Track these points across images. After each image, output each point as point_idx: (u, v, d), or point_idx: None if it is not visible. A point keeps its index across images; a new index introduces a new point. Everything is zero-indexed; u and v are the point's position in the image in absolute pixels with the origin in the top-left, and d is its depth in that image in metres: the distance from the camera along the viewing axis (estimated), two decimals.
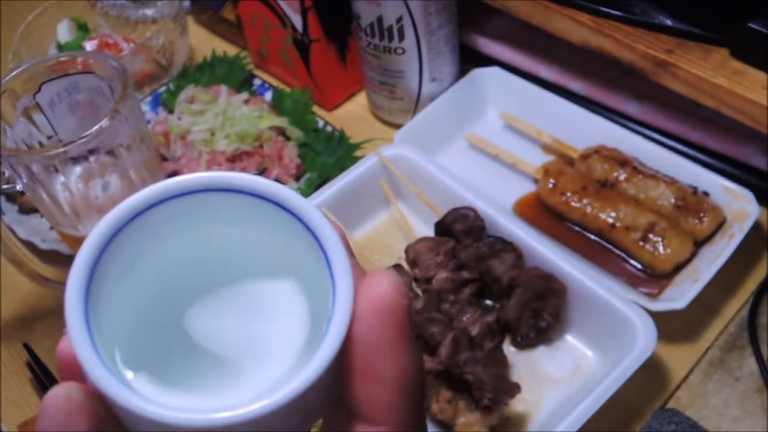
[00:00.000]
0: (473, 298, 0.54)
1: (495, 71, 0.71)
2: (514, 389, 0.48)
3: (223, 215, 0.23)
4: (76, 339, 0.20)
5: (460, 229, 0.57)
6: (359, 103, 0.77)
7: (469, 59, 0.74)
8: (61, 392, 0.20)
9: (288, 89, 0.76)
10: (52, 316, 0.64)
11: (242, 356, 0.22)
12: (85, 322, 0.20)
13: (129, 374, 0.22)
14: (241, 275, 0.23)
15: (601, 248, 0.60)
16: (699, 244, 0.58)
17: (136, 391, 0.20)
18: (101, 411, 0.20)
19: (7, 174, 0.50)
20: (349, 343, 0.20)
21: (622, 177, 0.61)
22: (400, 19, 0.65)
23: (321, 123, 0.73)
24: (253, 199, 0.22)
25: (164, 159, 0.70)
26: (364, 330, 0.20)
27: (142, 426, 0.20)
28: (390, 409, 0.21)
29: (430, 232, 0.60)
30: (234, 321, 0.23)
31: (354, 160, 0.69)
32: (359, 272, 0.22)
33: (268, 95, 0.77)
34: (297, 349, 0.22)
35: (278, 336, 0.22)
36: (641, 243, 0.57)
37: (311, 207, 0.22)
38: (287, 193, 0.22)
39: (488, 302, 0.56)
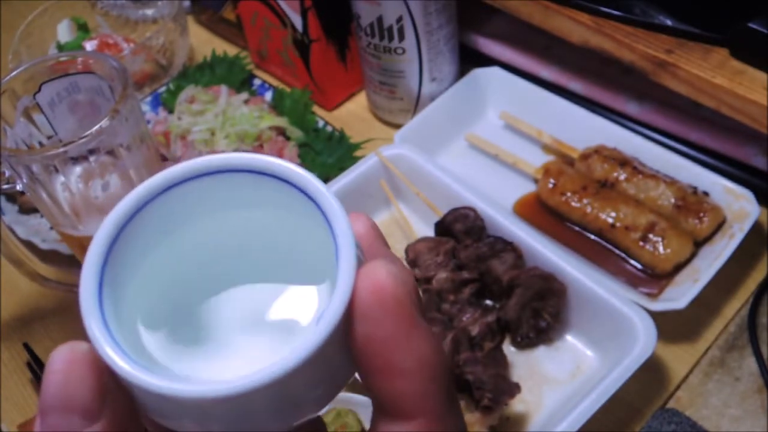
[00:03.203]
0: (473, 298, 0.54)
1: (495, 71, 0.71)
2: (514, 389, 0.48)
3: (243, 195, 0.23)
4: (86, 308, 0.20)
5: (460, 229, 0.57)
6: (359, 103, 0.78)
7: (469, 59, 0.74)
8: (66, 347, 0.20)
9: (288, 89, 0.76)
10: (52, 316, 0.64)
11: (256, 334, 0.22)
12: (97, 291, 0.21)
13: (147, 345, 0.22)
14: (259, 255, 0.24)
15: (601, 248, 0.60)
16: (699, 244, 0.58)
17: (135, 360, 0.20)
18: (107, 369, 0.20)
19: (7, 174, 0.50)
20: (362, 343, 0.20)
21: (622, 177, 0.61)
22: (400, 19, 0.65)
23: (321, 123, 0.73)
24: (273, 181, 0.22)
25: (164, 159, 0.70)
26: (373, 326, 0.20)
27: (134, 391, 0.20)
28: (421, 400, 0.20)
29: (430, 232, 0.60)
30: (247, 299, 0.23)
31: (354, 160, 0.69)
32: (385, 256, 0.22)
33: (268, 95, 0.77)
34: (303, 333, 0.22)
35: (290, 317, 0.22)
36: (641, 243, 0.57)
37: (326, 192, 0.21)
38: (305, 178, 0.22)
39: (488, 302, 0.56)
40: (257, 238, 0.24)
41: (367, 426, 0.51)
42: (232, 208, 0.23)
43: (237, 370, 0.20)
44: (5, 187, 0.50)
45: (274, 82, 0.79)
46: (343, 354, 0.20)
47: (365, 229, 0.23)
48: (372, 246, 0.23)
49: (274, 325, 0.23)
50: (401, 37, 0.66)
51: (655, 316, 0.51)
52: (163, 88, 0.77)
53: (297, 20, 0.71)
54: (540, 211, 0.64)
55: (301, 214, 0.22)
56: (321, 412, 0.23)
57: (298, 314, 0.22)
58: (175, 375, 0.21)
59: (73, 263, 0.59)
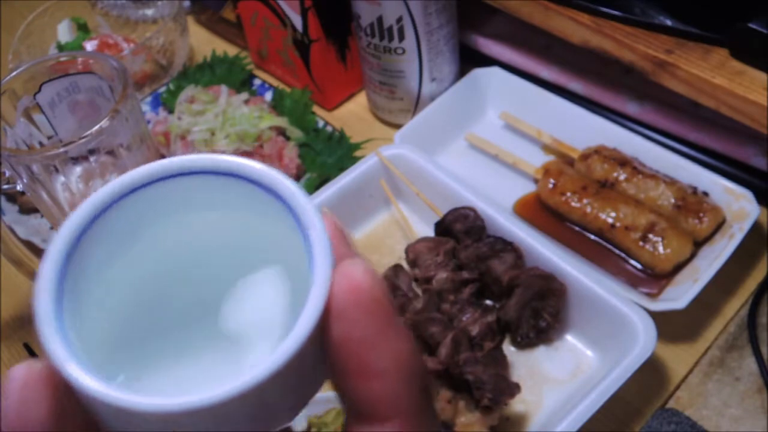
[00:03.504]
0: (473, 298, 0.54)
1: (495, 71, 0.71)
2: (514, 389, 0.48)
3: (207, 199, 0.22)
4: (42, 318, 0.19)
5: (460, 229, 0.57)
6: (359, 103, 0.78)
7: (469, 59, 0.74)
8: (23, 366, 0.19)
9: (288, 89, 0.76)
10: None
11: (220, 345, 0.22)
12: (55, 301, 0.19)
13: (110, 358, 0.21)
14: (226, 261, 0.23)
15: (601, 248, 0.60)
16: (699, 244, 0.58)
17: (96, 374, 0.18)
18: (64, 387, 0.19)
19: (7, 174, 0.50)
20: (338, 343, 0.19)
21: (622, 177, 0.61)
22: (400, 19, 0.65)
23: (321, 123, 0.73)
24: (238, 181, 0.21)
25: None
26: (349, 326, 0.19)
27: (97, 407, 0.19)
28: (396, 400, 0.19)
29: (430, 232, 0.60)
30: (217, 308, 0.22)
31: (354, 160, 0.69)
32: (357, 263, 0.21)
33: (268, 95, 0.77)
34: (274, 340, 0.21)
35: (259, 325, 0.22)
36: (641, 243, 0.57)
37: (300, 194, 0.21)
38: (270, 176, 0.21)
39: (488, 302, 0.56)
40: (225, 242, 0.23)
41: None
42: (198, 211, 0.22)
43: (208, 380, 0.19)
44: (5, 187, 0.50)
45: (274, 82, 0.79)
46: (317, 358, 0.20)
47: (331, 229, 0.22)
48: (338, 247, 0.22)
49: (245, 330, 0.22)
50: (401, 37, 0.66)
51: (655, 316, 0.51)
52: (163, 88, 0.77)
53: (297, 20, 0.71)
54: (540, 211, 0.64)
55: (269, 214, 0.21)
56: (293, 423, 0.22)
57: (271, 318, 0.22)
58: (139, 388, 0.20)
59: None
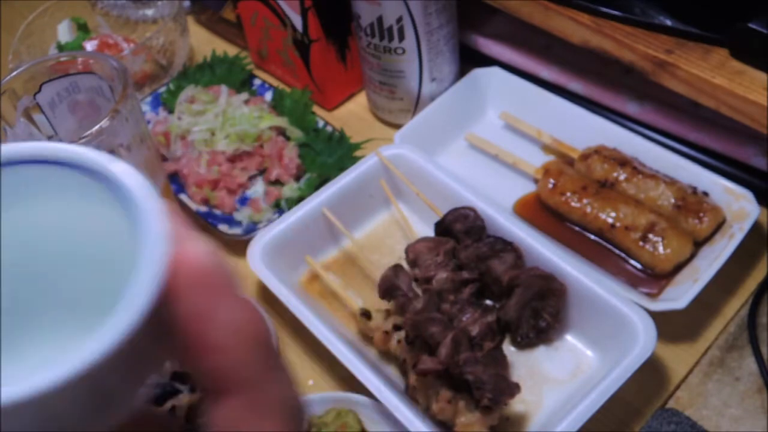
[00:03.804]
0: (473, 298, 0.54)
1: (495, 71, 0.71)
2: (514, 389, 0.48)
3: (27, 187, 0.20)
4: None
5: (460, 229, 0.57)
6: (359, 103, 0.78)
7: (469, 59, 0.74)
8: None
9: (288, 89, 0.76)
10: None
11: (44, 328, 0.21)
12: None
13: None
14: (52, 248, 0.21)
15: (601, 248, 0.60)
16: (699, 244, 0.58)
17: None
18: None
19: None
20: (177, 321, 0.19)
21: (622, 177, 0.61)
22: (400, 19, 0.65)
23: (321, 123, 0.73)
24: (61, 168, 0.20)
25: (164, 159, 0.70)
26: (186, 302, 0.19)
27: None
28: (240, 370, 0.19)
29: (430, 232, 0.60)
30: (42, 300, 0.21)
31: (354, 160, 0.69)
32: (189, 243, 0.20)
33: (268, 95, 0.77)
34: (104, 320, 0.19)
35: (85, 316, 0.21)
36: (641, 243, 0.57)
37: (128, 171, 0.19)
38: (88, 156, 0.19)
39: (488, 302, 0.56)
40: (49, 229, 0.21)
41: (367, 426, 0.51)
42: (18, 200, 0.21)
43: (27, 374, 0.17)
44: None
45: (274, 82, 0.79)
46: (152, 338, 0.19)
47: (167, 211, 0.21)
48: (177, 227, 0.21)
49: (69, 316, 0.21)
50: (401, 37, 0.66)
51: (655, 316, 0.51)
52: (163, 88, 0.77)
53: (297, 20, 0.71)
54: (540, 211, 0.64)
55: (94, 198, 0.20)
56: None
57: (100, 305, 0.20)
58: None
59: None
